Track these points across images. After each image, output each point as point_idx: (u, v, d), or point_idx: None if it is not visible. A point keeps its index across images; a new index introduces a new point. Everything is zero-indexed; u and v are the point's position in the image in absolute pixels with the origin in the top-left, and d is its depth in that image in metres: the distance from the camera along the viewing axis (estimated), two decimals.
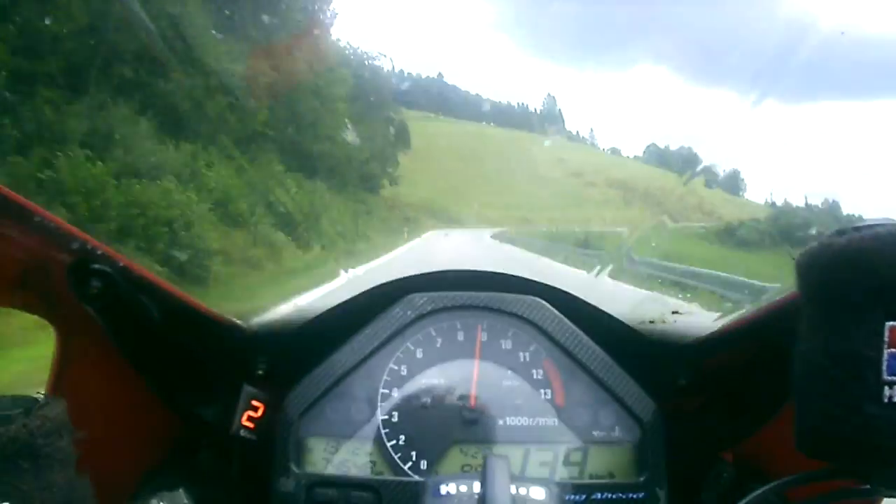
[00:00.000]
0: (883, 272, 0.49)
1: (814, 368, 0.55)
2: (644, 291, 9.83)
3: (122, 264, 0.70)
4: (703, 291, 10.34)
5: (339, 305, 0.92)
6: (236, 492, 0.86)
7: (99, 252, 0.68)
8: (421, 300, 0.88)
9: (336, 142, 22.15)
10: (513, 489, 0.58)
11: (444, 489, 0.61)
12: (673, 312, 1.00)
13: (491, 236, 38.13)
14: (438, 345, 0.87)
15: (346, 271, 11.34)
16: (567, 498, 0.77)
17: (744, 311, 0.85)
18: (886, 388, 0.50)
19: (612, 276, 10.27)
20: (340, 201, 22.13)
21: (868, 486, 0.56)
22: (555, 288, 0.92)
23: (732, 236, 29.41)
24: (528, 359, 0.87)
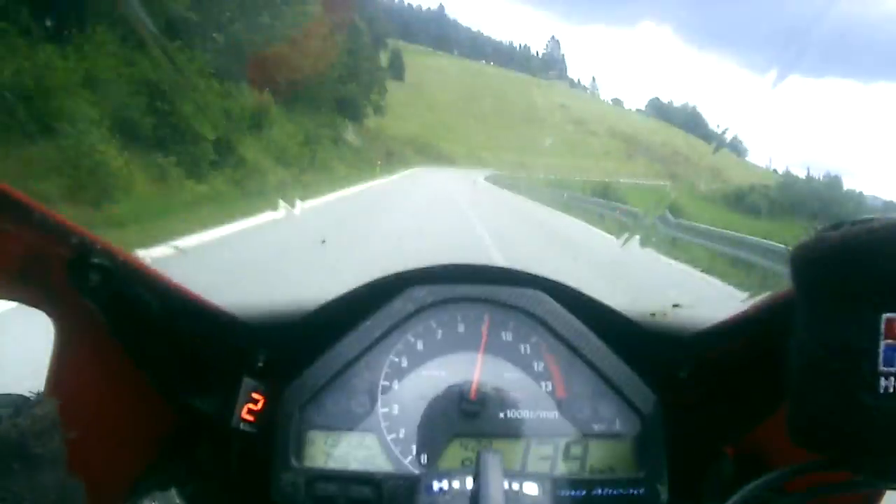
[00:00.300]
0: (878, 265, 0.50)
1: (809, 360, 0.56)
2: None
3: (121, 258, 0.70)
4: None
5: (339, 298, 0.92)
6: (236, 486, 0.87)
7: (98, 246, 0.68)
8: (422, 293, 0.89)
9: (299, 49, 18.38)
10: (506, 485, 0.58)
11: (436, 485, 0.62)
12: (674, 305, 1.01)
13: (485, 178, 35.01)
14: (439, 337, 0.88)
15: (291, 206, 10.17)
16: (567, 493, 0.79)
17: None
18: (882, 378, 0.51)
19: (643, 244, 8.99)
20: (298, 122, 18.74)
21: (864, 477, 0.57)
22: (556, 281, 0.93)
23: (741, 202, 28.50)
24: (528, 351, 0.88)
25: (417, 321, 0.86)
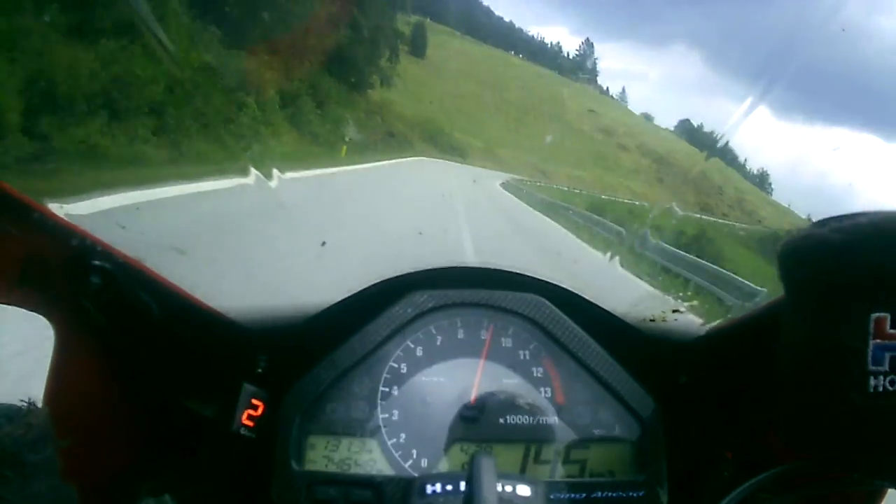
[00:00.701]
0: (866, 262, 0.51)
1: (799, 360, 0.57)
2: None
3: (121, 261, 0.72)
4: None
5: (339, 302, 0.94)
6: (236, 491, 0.88)
7: (98, 248, 0.70)
8: (422, 298, 0.90)
9: None
10: (499, 487, 0.60)
11: (430, 488, 0.64)
12: (673, 311, 1.03)
13: (501, 185, 28.52)
14: (439, 343, 0.90)
15: None
16: (566, 496, 0.79)
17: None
18: (871, 378, 0.51)
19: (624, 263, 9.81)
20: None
21: (856, 476, 0.59)
22: (556, 285, 0.95)
23: (776, 247, 24.86)
24: (528, 357, 0.89)
25: (417, 326, 0.89)
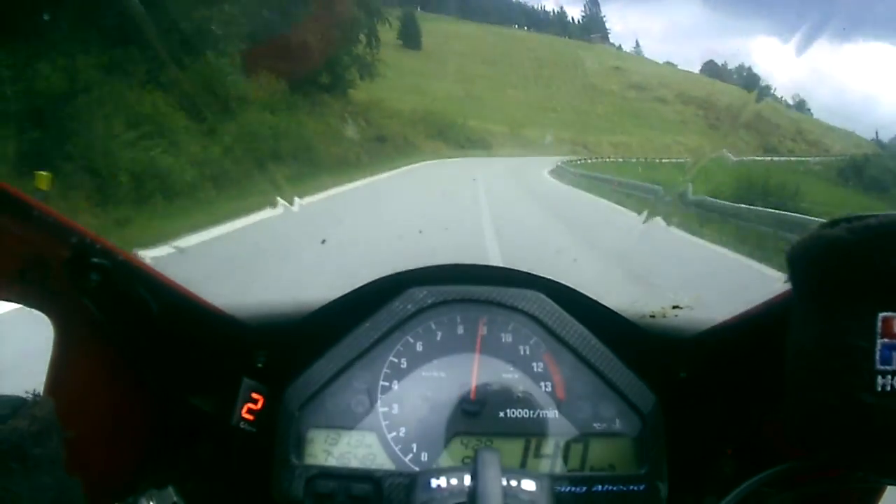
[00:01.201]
0: (875, 263, 0.53)
1: (807, 359, 0.59)
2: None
3: (121, 258, 0.74)
4: None
5: (338, 299, 0.97)
6: (236, 485, 0.90)
7: (97, 246, 0.72)
8: (421, 293, 0.92)
9: None
10: (504, 482, 0.60)
11: (434, 483, 0.64)
12: (673, 307, 1.04)
13: (550, 173, 21.64)
14: (439, 338, 0.92)
15: None
16: (567, 490, 0.81)
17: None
18: (879, 377, 0.53)
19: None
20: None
21: (862, 474, 0.61)
22: (556, 282, 0.98)
23: (859, 175, 24.18)
24: (528, 352, 0.91)
25: (417, 322, 0.90)
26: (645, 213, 11.76)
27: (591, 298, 0.96)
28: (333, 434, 0.86)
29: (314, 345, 0.89)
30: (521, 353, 0.91)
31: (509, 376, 0.89)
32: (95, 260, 0.69)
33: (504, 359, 0.90)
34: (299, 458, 0.84)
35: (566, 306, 0.92)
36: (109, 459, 0.80)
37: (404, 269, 0.96)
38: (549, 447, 0.85)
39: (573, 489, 0.81)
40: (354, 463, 0.84)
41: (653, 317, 0.99)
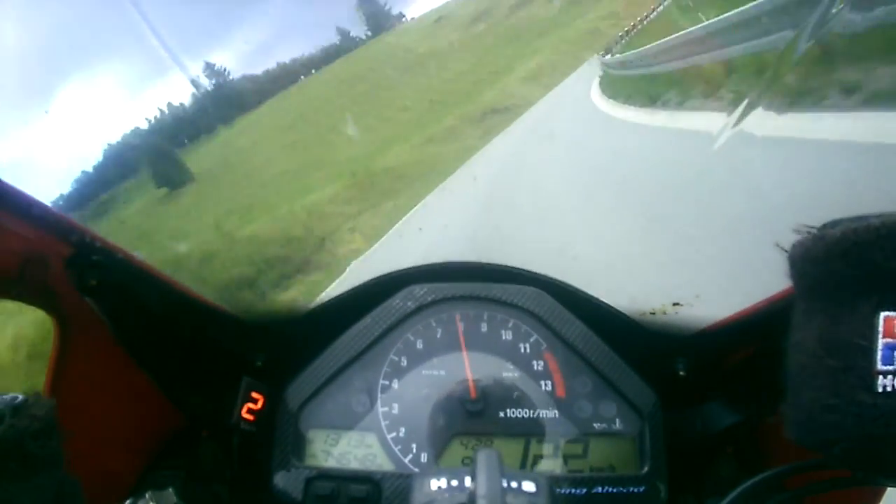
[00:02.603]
0: (877, 263, 0.53)
1: (807, 359, 0.59)
2: None
3: (120, 256, 0.75)
4: None
5: (338, 297, 0.98)
6: (237, 484, 0.91)
7: (98, 244, 0.73)
8: (421, 291, 0.93)
9: None
10: (504, 483, 0.61)
11: (434, 483, 0.64)
12: (674, 304, 1.12)
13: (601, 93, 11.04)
14: (439, 336, 0.92)
15: None
16: (568, 491, 0.82)
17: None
18: (880, 377, 0.53)
19: None
20: None
21: (862, 475, 0.61)
22: (555, 280, 0.99)
23: None
24: (528, 350, 0.92)
25: (417, 320, 0.90)
26: None
27: (591, 296, 0.97)
28: (333, 434, 0.86)
29: (314, 343, 0.89)
30: (522, 351, 0.91)
31: (509, 375, 0.89)
32: (96, 258, 0.70)
33: (504, 357, 0.91)
34: (299, 459, 0.84)
35: (566, 304, 0.93)
36: (110, 459, 0.80)
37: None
38: (549, 447, 0.86)
39: (573, 490, 0.82)
40: (354, 464, 0.84)
41: (653, 314, 0.99)
